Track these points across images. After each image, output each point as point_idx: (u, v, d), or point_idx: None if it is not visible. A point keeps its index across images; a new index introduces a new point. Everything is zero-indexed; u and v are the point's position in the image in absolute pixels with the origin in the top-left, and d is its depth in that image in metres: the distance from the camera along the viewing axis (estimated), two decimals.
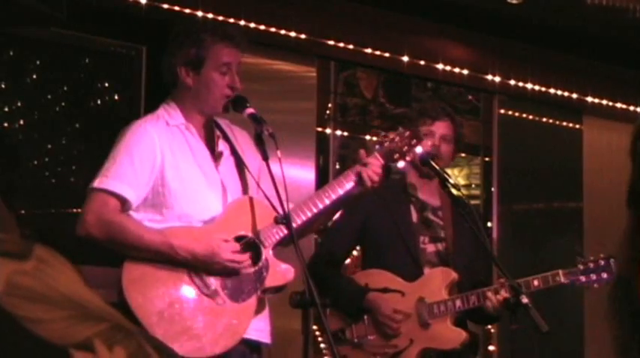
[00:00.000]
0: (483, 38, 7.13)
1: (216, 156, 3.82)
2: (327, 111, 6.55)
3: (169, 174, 3.70)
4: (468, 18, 6.89)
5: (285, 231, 3.69)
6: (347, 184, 3.83)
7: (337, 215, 4.41)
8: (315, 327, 4.72)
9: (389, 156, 3.95)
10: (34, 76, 5.56)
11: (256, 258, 3.71)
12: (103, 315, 1.26)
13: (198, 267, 3.63)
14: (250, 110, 3.75)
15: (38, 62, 5.57)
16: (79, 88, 5.69)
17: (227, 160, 3.85)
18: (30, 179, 5.44)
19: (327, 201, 3.79)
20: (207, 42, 3.78)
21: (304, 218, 3.77)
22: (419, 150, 4.12)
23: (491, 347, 7.09)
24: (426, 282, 4.48)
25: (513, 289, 4.23)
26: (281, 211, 3.62)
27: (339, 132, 6.58)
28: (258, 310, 3.75)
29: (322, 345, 4.34)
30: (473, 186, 7.66)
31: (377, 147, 3.96)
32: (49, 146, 5.54)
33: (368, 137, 7.29)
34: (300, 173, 6.09)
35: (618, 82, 7.77)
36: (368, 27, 6.62)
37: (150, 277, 3.62)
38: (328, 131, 6.52)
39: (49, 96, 5.58)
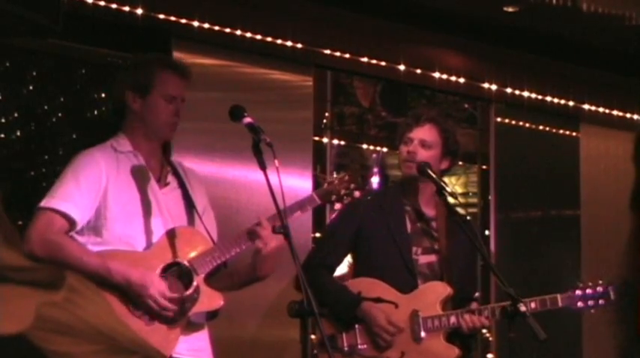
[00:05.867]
0: (480, 46, 7.13)
1: (161, 184, 3.97)
2: (324, 121, 6.55)
3: (111, 197, 3.85)
4: (464, 26, 6.89)
5: (219, 261, 3.87)
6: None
7: (333, 218, 4.45)
8: (313, 336, 4.70)
9: (326, 197, 4.12)
10: (31, 87, 5.56)
11: (188, 283, 3.84)
12: (133, 348, 1.25)
13: (128, 292, 3.74)
14: (248, 119, 3.77)
15: (35, 73, 5.56)
16: (76, 99, 5.69)
17: (174, 191, 4.01)
18: (27, 190, 5.43)
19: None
20: (154, 68, 3.97)
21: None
22: (356, 194, 4.20)
23: (489, 356, 7.08)
24: (421, 295, 4.45)
25: (511, 298, 4.23)
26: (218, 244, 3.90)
27: (335, 141, 6.58)
28: (192, 331, 3.89)
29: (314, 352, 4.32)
30: (470, 194, 7.66)
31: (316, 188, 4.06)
32: (46, 157, 5.53)
33: (365, 146, 7.29)
34: (298, 182, 6.08)
35: (615, 90, 7.77)
36: (364, 36, 6.61)
37: None
38: (325, 140, 6.51)
39: (46, 107, 5.58)
